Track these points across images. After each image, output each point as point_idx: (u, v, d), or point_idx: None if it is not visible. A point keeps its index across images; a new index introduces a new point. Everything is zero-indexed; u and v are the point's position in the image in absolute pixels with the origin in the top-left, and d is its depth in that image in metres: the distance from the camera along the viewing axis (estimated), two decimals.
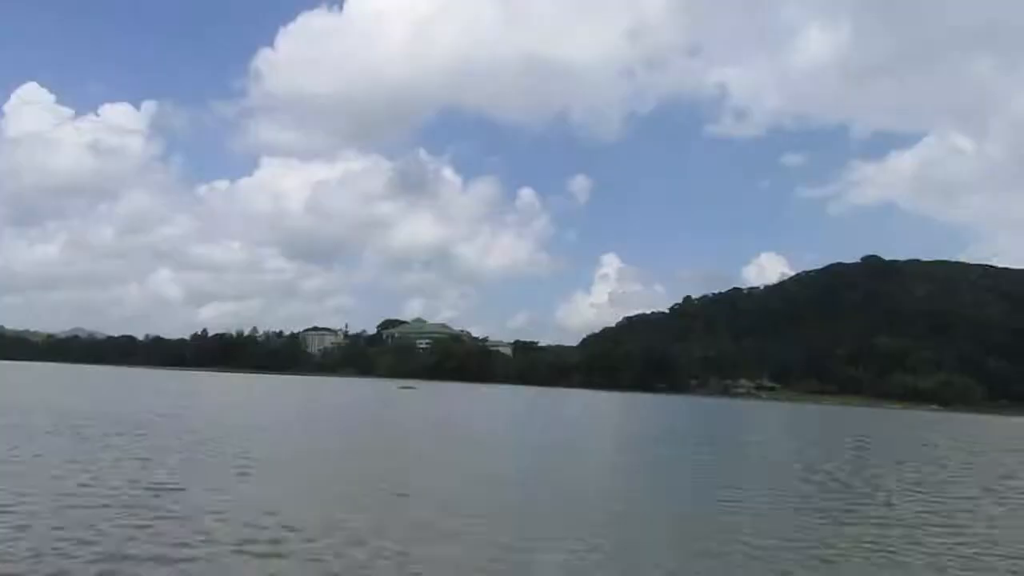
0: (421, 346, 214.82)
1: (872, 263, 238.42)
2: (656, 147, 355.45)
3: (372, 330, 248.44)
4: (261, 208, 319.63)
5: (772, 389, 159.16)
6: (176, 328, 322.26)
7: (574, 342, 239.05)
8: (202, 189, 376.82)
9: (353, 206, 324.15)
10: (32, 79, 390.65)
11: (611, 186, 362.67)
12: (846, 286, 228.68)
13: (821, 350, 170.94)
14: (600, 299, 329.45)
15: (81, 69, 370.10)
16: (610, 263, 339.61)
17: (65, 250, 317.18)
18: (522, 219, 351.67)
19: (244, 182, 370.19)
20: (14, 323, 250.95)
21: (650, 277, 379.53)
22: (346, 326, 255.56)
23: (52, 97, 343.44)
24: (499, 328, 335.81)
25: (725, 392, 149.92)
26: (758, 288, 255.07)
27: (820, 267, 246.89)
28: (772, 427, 47.30)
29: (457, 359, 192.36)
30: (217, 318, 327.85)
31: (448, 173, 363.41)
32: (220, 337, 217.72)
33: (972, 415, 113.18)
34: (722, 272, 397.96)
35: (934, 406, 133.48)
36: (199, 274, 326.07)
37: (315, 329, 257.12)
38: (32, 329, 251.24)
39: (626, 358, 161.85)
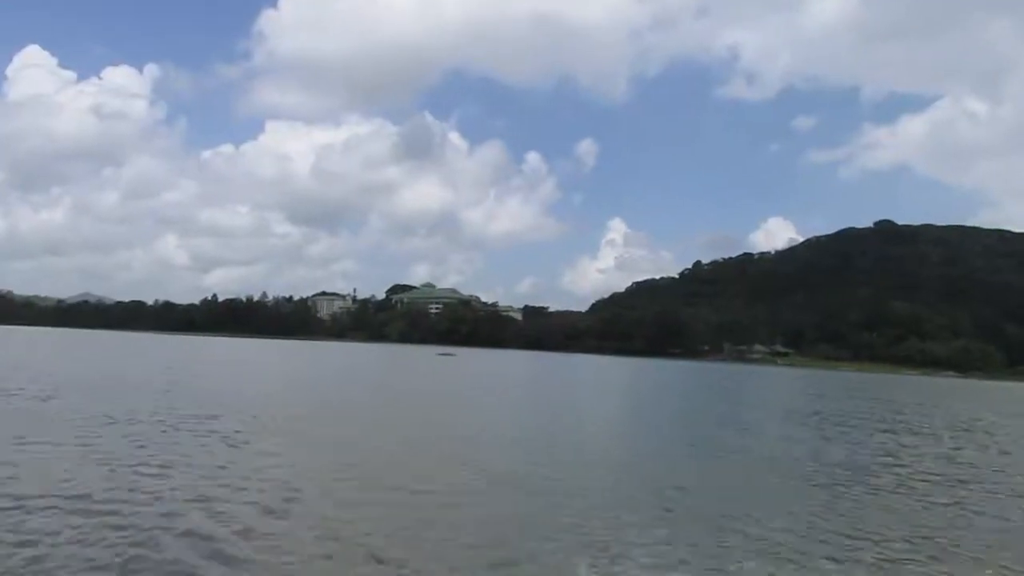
0: (432, 311, 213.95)
1: (885, 228, 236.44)
2: (664, 110, 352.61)
3: (380, 295, 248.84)
4: (266, 172, 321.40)
5: (785, 355, 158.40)
6: (183, 293, 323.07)
7: (582, 307, 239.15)
8: (207, 153, 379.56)
9: (358, 170, 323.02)
10: (34, 42, 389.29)
11: (618, 150, 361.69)
12: (858, 251, 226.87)
13: (834, 315, 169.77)
14: (607, 264, 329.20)
15: (83, 32, 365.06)
16: (617, 228, 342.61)
17: (70, 215, 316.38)
18: (528, 183, 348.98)
19: (249, 146, 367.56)
20: (22, 288, 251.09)
21: (657, 242, 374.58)
22: (354, 291, 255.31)
23: (54, 60, 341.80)
24: (506, 293, 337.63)
25: (740, 358, 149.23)
26: (769, 253, 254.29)
27: (832, 232, 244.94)
28: (804, 394, 46.21)
29: (469, 325, 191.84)
30: (223, 283, 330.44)
31: (454, 137, 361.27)
32: (230, 302, 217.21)
33: (992, 382, 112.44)
34: (730, 237, 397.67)
35: (950, 373, 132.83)
36: (205, 239, 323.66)
37: (323, 294, 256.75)
38: (41, 294, 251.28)
39: (639, 323, 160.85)
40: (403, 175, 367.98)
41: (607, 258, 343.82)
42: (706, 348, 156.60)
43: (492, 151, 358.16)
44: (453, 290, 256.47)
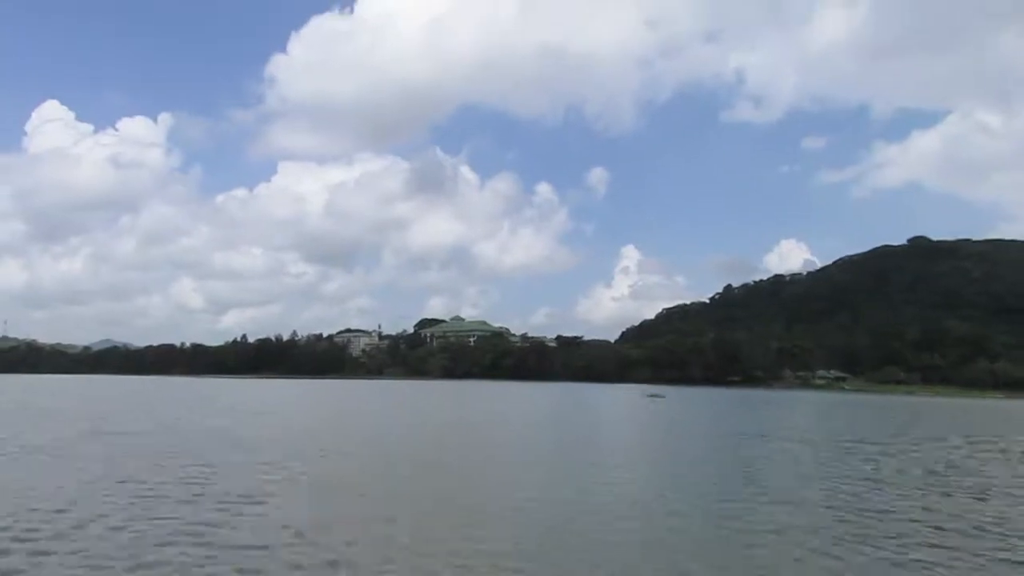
0: (471, 344, 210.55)
1: (919, 244, 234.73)
2: (673, 136, 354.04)
3: (396, 330, 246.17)
4: (280, 213, 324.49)
5: (842, 379, 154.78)
6: (198, 336, 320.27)
7: (598, 336, 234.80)
8: (221, 198, 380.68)
9: (371, 207, 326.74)
10: (52, 97, 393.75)
11: (629, 177, 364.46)
12: (894, 269, 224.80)
13: (888, 336, 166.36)
14: (621, 292, 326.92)
15: (98, 84, 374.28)
16: (630, 255, 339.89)
17: (89, 264, 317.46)
18: (540, 214, 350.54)
19: (262, 188, 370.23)
20: (44, 336, 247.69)
21: (671, 268, 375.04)
22: (379, 327, 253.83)
23: (72, 114, 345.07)
24: (522, 324, 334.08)
25: (803, 384, 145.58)
26: (800, 275, 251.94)
27: (865, 250, 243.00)
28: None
29: (515, 356, 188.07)
30: (239, 325, 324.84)
31: (465, 171, 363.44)
32: (261, 343, 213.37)
33: None
34: (744, 260, 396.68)
35: None
36: (220, 282, 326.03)
37: (348, 331, 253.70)
38: (64, 342, 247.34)
39: (695, 351, 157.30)
40: (416, 210, 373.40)
41: (621, 286, 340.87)
42: (765, 375, 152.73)
43: (503, 183, 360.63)
44: (483, 322, 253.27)
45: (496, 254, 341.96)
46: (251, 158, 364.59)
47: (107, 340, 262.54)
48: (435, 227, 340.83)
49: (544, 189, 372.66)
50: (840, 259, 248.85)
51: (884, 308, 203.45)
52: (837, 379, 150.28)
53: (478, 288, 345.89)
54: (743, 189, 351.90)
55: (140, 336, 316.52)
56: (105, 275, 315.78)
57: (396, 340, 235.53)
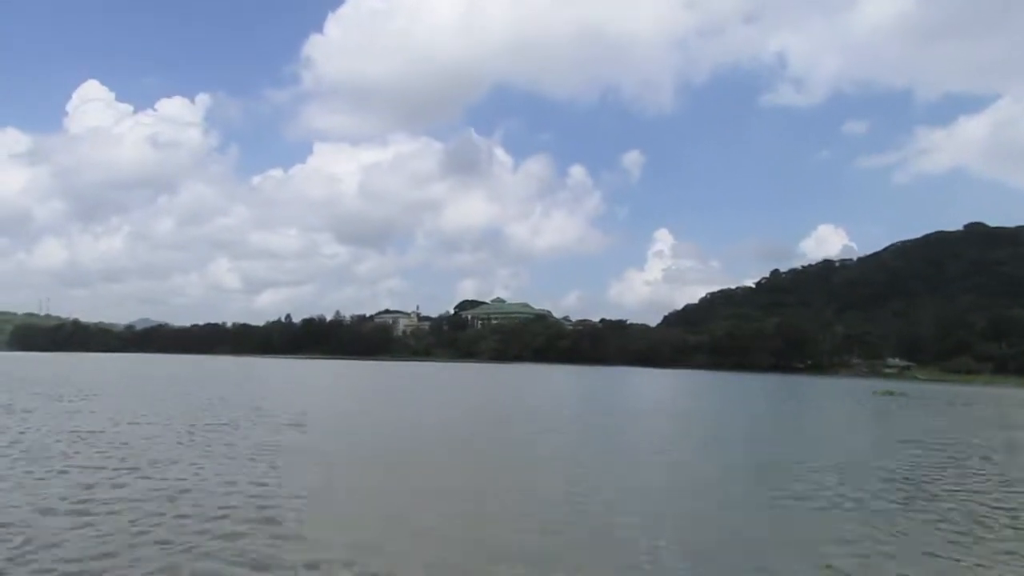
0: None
1: (976, 230, 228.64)
2: (711, 119, 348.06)
3: (434, 312, 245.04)
4: (315, 194, 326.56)
5: (908, 368, 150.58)
6: (234, 315, 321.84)
7: (631, 319, 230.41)
8: (257, 178, 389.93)
9: (405, 188, 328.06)
10: (93, 77, 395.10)
11: (664, 160, 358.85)
12: (950, 255, 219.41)
13: (952, 324, 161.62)
14: (654, 276, 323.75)
15: (138, 66, 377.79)
16: (664, 239, 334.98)
17: (128, 243, 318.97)
18: (574, 197, 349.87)
19: (298, 169, 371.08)
20: (84, 315, 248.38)
21: (706, 252, 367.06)
22: (417, 307, 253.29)
23: (112, 94, 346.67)
24: (553, 307, 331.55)
25: (873, 372, 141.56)
26: (851, 260, 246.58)
27: (919, 235, 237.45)
28: None
29: (570, 340, 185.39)
30: (274, 304, 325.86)
31: (499, 152, 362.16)
32: (308, 322, 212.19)
33: None
34: (780, 245, 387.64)
35: None
36: (256, 262, 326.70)
37: (387, 312, 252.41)
38: (105, 320, 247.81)
39: (759, 336, 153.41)
40: (449, 192, 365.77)
41: (654, 270, 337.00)
42: (832, 362, 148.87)
43: (537, 165, 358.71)
44: (525, 304, 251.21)
45: (528, 236, 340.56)
46: (287, 139, 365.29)
47: (145, 319, 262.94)
48: (468, 208, 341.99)
49: (578, 171, 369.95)
50: (892, 245, 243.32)
51: (940, 295, 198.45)
52: (905, 368, 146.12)
53: (510, 270, 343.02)
54: (781, 173, 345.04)
55: (176, 315, 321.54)
56: (143, 254, 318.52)
57: (438, 322, 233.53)
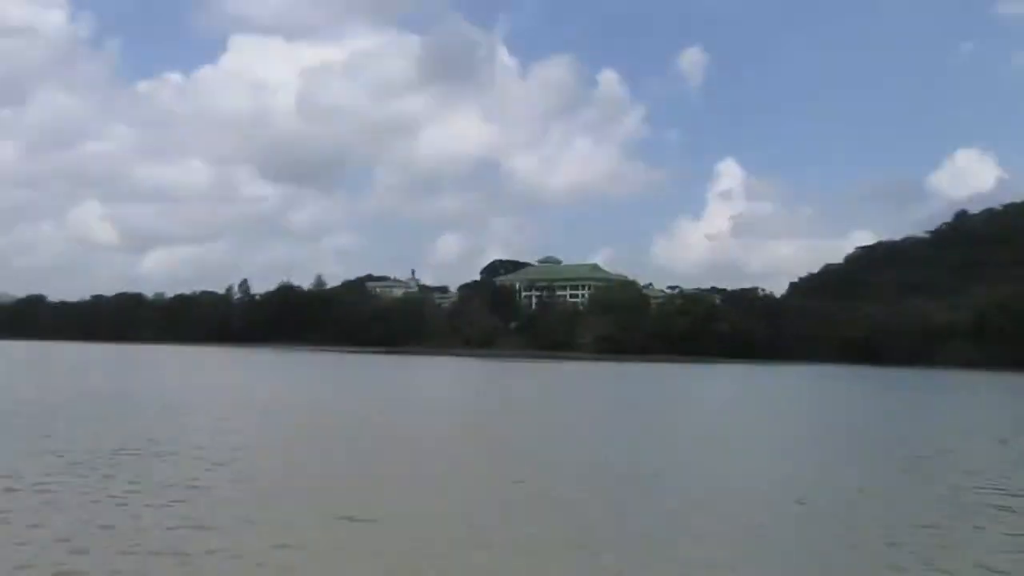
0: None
1: None
2: (802, 6, 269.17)
3: (436, 280, 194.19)
4: (230, 109, 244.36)
5: None
6: (106, 285, 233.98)
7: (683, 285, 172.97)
8: (144, 84, 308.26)
9: (364, 103, 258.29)
10: None
11: (733, 63, 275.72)
12: None
13: None
14: (718, 227, 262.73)
15: None
16: (732, 174, 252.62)
17: None
18: (604, 115, 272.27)
19: (206, 72, 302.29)
20: None
21: (792, 195, 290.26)
22: (413, 273, 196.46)
23: None
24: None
25: None
26: None
27: None
28: None
29: (727, 324, 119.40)
30: (167, 269, 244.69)
31: (501, 52, 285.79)
32: (283, 293, 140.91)
33: None
34: (904, 181, 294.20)
35: None
36: (142, 207, 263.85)
37: (370, 278, 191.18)
38: None
39: None
40: (427, 108, 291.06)
41: (719, 218, 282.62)
42: None
43: (554, 70, 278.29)
44: (595, 266, 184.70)
45: (538, 172, 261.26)
46: (191, 28, 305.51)
47: None
48: (453, 132, 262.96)
49: (610, 79, 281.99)
50: None
51: None
52: None
53: (510, 220, 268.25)
54: (901, 79, 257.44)
55: (18, 282, 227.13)
56: None
57: (469, 295, 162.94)
